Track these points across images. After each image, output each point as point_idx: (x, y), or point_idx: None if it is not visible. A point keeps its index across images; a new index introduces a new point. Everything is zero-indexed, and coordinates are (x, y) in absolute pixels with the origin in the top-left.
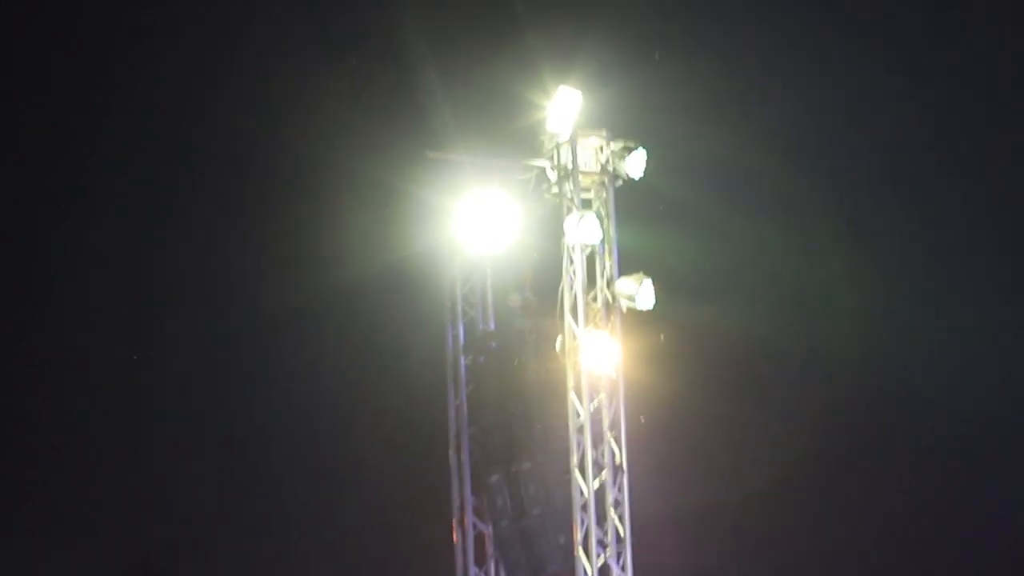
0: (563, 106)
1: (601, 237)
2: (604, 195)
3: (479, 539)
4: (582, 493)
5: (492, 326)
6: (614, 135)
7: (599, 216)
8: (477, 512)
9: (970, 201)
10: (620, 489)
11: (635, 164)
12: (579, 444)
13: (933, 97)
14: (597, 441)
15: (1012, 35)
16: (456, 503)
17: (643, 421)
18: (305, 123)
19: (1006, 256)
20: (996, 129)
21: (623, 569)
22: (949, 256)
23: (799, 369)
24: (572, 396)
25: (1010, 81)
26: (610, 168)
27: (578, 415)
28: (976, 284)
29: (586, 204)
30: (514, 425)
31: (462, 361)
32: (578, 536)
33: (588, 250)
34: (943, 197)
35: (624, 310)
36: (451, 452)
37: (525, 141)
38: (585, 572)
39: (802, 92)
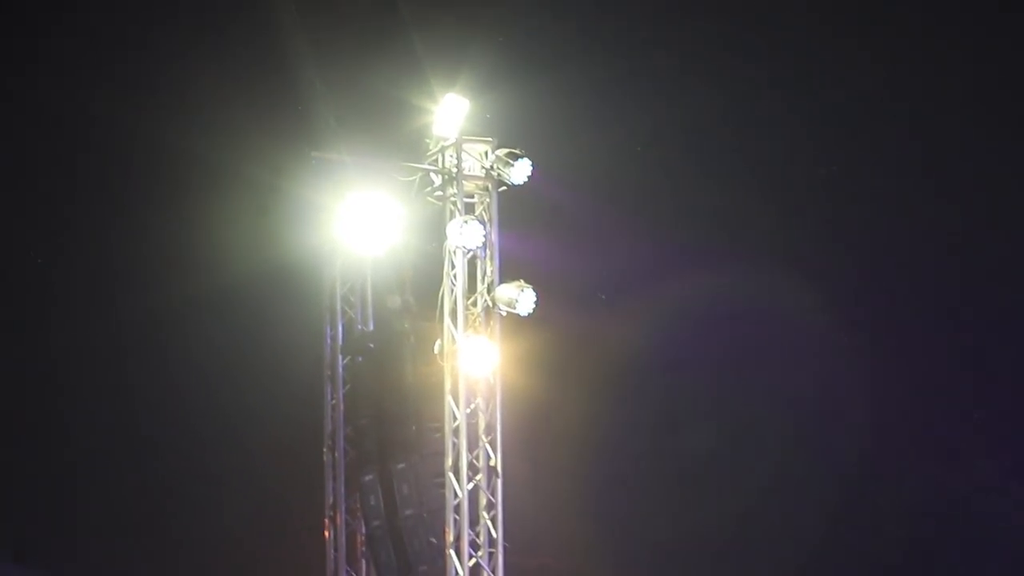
0: (450, 111)
1: (483, 242)
2: (487, 200)
3: (351, 538)
4: (455, 495)
5: (371, 327)
6: (500, 142)
7: (482, 221)
8: (350, 511)
9: (842, 203)
10: (494, 492)
11: (519, 171)
12: (454, 446)
13: (811, 103)
14: (472, 444)
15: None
16: (329, 501)
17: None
18: (188, 123)
19: (858, 257)
20: (870, 137)
21: (494, 571)
22: (825, 260)
23: (673, 373)
24: (449, 399)
25: (889, 94)
26: (494, 174)
27: (454, 418)
28: (843, 284)
29: (469, 209)
30: (390, 426)
31: (340, 361)
32: (450, 537)
33: (470, 255)
34: (818, 202)
35: (503, 315)
36: (326, 451)
37: (410, 144)
38: (456, 573)
39: (686, 98)
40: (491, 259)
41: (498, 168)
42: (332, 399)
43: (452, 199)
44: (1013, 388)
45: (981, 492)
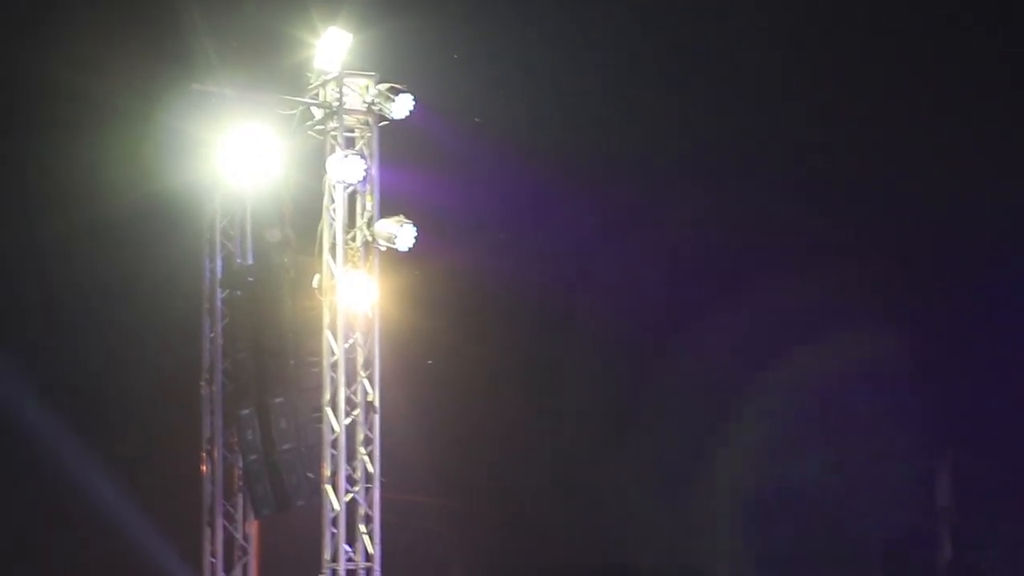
0: (331, 45)
1: (363, 177)
2: (368, 135)
3: (228, 471)
4: (333, 430)
5: (250, 261)
6: (382, 76)
7: (362, 156)
8: (227, 445)
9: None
10: (371, 427)
11: (400, 105)
12: (332, 381)
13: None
14: (350, 379)
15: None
16: (206, 435)
17: (430, 363)
18: (67, 55)
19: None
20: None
21: (370, 506)
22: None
23: (552, 311)
24: (327, 334)
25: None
26: (376, 108)
27: (332, 353)
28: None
29: (350, 143)
30: (268, 360)
31: (218, 294)
32: (327, 472)
33: (350, 189)
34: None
35: (383, 250)
36: (203, 384)
37: (292, 78)
38: (332, 508)
39: (564, 34)
40: (371, 194)
41: (379, 103)
42: (211, 332)
43: (333, 133)
44: None
45: None
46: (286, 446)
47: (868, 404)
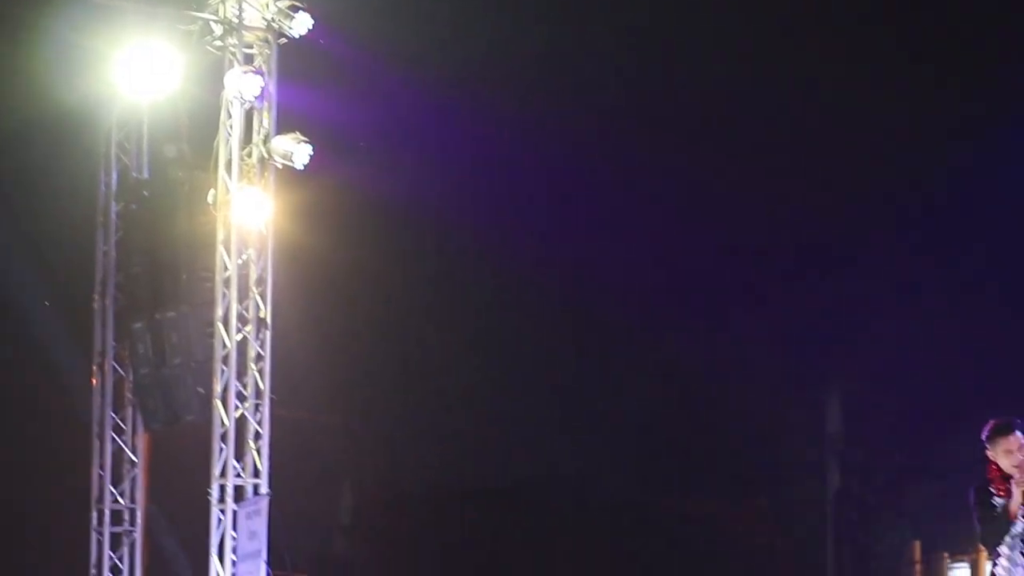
0: None
1: (260, 93)
2: (267, 52)
3: (119, 385)
4: (224, 345)
5: (146, 175)
6: None
7: (260, 72)
8: (119, 358)
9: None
10: (263, 344)
11: (300, 23)
12: (224, 297)
13: None
14: (243, 295)
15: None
16: (98, 348)
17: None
18: None
19: None
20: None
21: (260, 423)
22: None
23: (448, 228)
24: (221, 249)
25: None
26: (275, 25)
27: (225, 268)
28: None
29: (248, 60)
30: (162, 274)
31: (113, 208)
32: (217, 388)
33: (247, 105)
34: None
35: (279, 167)
36: (96, 298)
37: None
38: (222, 423)
39: None
40: (268, 111)
41: (279, 20)
42: (104, 246)
43: (232, 49)
44: None
45: None
46: (177, 361)
47: (755, 331)
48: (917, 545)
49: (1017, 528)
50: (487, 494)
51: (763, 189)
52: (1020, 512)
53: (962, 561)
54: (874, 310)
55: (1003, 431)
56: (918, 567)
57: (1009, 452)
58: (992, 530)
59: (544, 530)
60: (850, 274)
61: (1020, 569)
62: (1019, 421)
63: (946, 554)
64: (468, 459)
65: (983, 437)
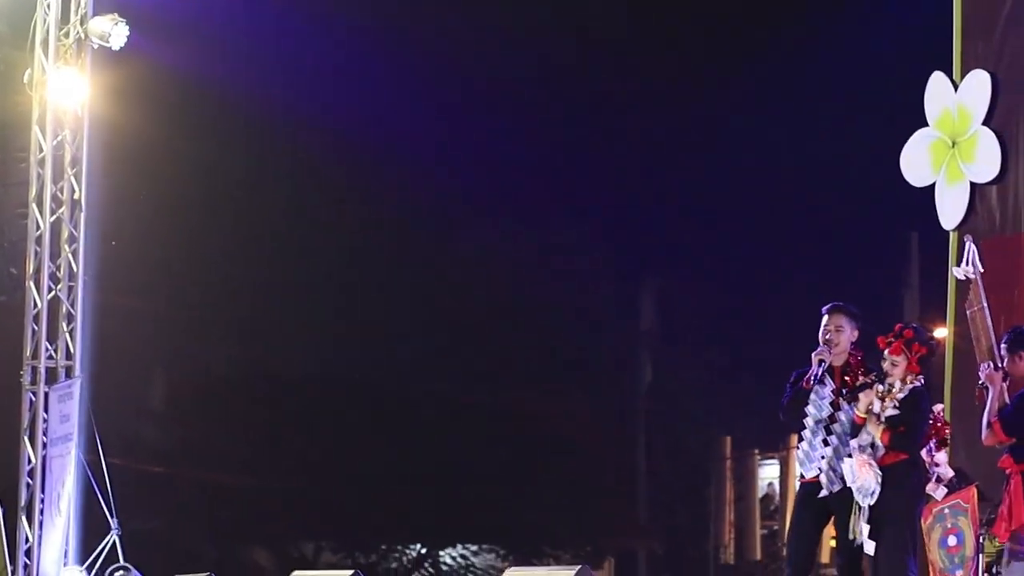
0: None
1: None
2: None
3: None
4: (38, 226)
5: None
6: None
7: None
8: None
9: None
10: (76, 225)
11: None
12: (39, 178)
13: None
14: (57, 176)
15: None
16: None
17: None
18: None
19: None
20: None
21: (73, 304)
22: None
23: (273, 114)
24: (36, 130)
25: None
26: None
27: (40, 149)
28: None
29: None
30: None
31: None
32: (30, 269)
33: None
34: None
35: (95, 48)
36: None
37: None
38: (34, 304)
39: None
40: None
41: None
42: None
43: None
44: None
45: None
46: None
47: (570, 229)
48: (728, 441)
49: (822, 413)
50: (300, 383)
51: (582, 87)
52: (821, 392)
53: (772, 458)
54: (690, 208)
55: (830, 308)
56: (728, 463)
57: (827, 329)
58: (791, 406)
59: (356, 421)
60: (668, 173)
61: (818, 454)
62: (852, 308)
63: (756, 451)
64: (282, 348)
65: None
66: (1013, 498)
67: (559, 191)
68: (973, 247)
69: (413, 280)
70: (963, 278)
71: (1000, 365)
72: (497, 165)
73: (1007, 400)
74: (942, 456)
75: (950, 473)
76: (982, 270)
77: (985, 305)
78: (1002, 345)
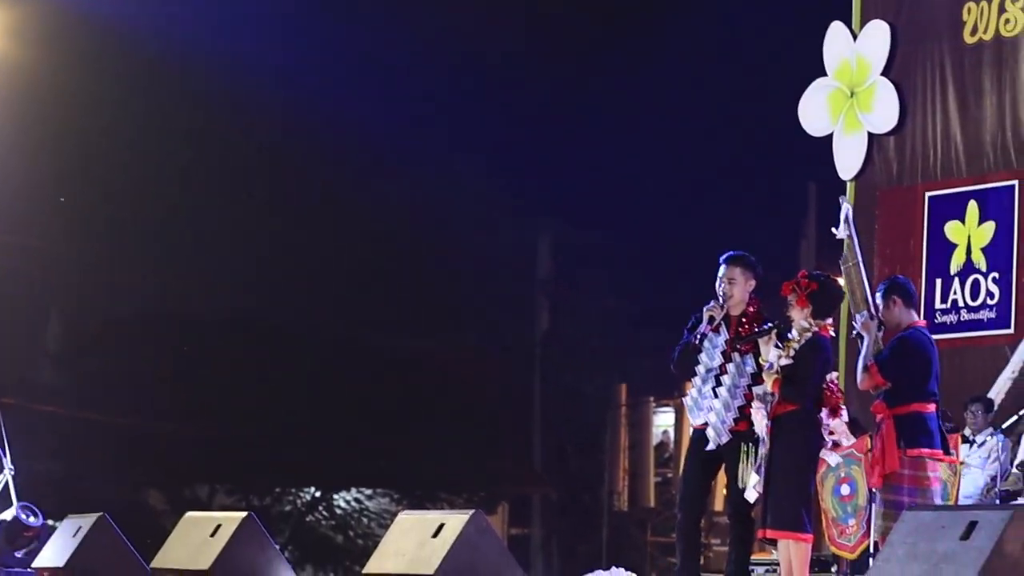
0: None
1: None
2: None
3: None
4: None
5: None
6: None
7: None
8: None
9: None
10: None
11: None
12: None
13: None
14: None
15: None
16: None
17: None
18: None
19: None
20: None
21: None
22: None
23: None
24: None
25: None
26: None
27: None
28: None
29: None
30: None
31: None
32: None
33: None
34: None
35: None
36: None
37: None
38: None
39: None
40: None
41: None
42: None
43: None
44: None
45: None
46: None
47: (468, 172)
48: (623, 388)
49: (713, 363)
50: (197, 326)
51: (484, 35)
52: (715, 340)
53: (667, 405)
54: (589, 156)
55: (725, 259)
56: (623, 410)
57: (722, 280)
58: (681, 359)
59: (253, 364)
60: (565, 117)
61: (707, 404)
62: (747, 259)
63: (651, 398)
64: (180, 290)
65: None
66: (886, 443)
67: (459, 137)
68: (848, 206)
69: (313, 225)
70: (841, 237)
71: (875, 314)
72: (397, 111)
73: (882, 346)
74: (837, 424)
75: (847, 442)
76: (856, 229)
77: (860, 260)
78: (877, 293)
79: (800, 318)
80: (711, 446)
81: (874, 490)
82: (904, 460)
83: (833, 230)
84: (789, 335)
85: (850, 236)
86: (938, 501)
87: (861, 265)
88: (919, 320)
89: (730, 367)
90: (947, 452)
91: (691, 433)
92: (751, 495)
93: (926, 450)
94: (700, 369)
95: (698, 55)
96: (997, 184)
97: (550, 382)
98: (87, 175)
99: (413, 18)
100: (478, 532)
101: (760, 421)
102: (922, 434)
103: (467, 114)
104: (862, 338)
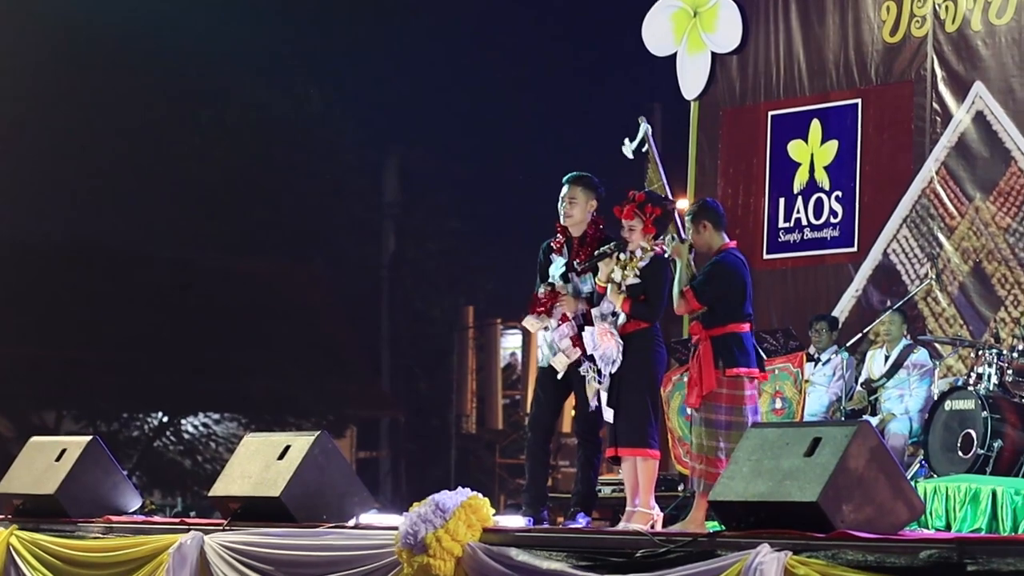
0: None
1: None
2: None
3: None
4: None
5: None
6: None
7: None
8: None
9: None
10: None
11: None
12: None
13: None
14: None
15: None
16: None
17: None
18: None
19: None
20: None
21: None
22: None
23: None
24: None
25: None
26: None
27: None
28: None
29: None
30: None
31: None
32: None
33: None
34: None
35: None
36: None
37: None
38: None
39: None
40: None
41: None
42: None
43: None
44: None
45: None
46: None
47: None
48: (470, 311)
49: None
50: (40, 249)
51: None
52: (558, 262)
53: (514, 328)
54: (429, 79)
55: (566, 180)
56: (471, 332)
57: (562, 201)
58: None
59: (98, 288)
60: (408, 42)
61: (557, 336)
62: (588, 179)
63: (498, 320)
64: (22, 212)
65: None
66: (703, 364)
67: (303, 60)
68: (647, 127)
69: (156, 146)
70: (631, 157)
71: (684, 237)
72: (240, 34)
73: (695, 271)
74: None
75: None
76: (656, 150)
77: (665, 183)
78: (687, 218)
79: (641, 239)
80: (542, 363)
81: (691, 410)
82: (722, 380)
83: (624, 149)
84: (631, 252)
85: (653, 158)
86: (755, 419)
87: (667, 187)
88: (730, 242)
89: (569, 288)
90: (762, 370)
91: (540, 354)
92: (608, 415)
93: (743, 369)
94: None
95: None
96: (840, 103)
97: (397, 305)
98: None
99: None
100: (324, 454)
101: (608, 341)
102: (740, 353)
103: (311, 37)
104: (674, 262)
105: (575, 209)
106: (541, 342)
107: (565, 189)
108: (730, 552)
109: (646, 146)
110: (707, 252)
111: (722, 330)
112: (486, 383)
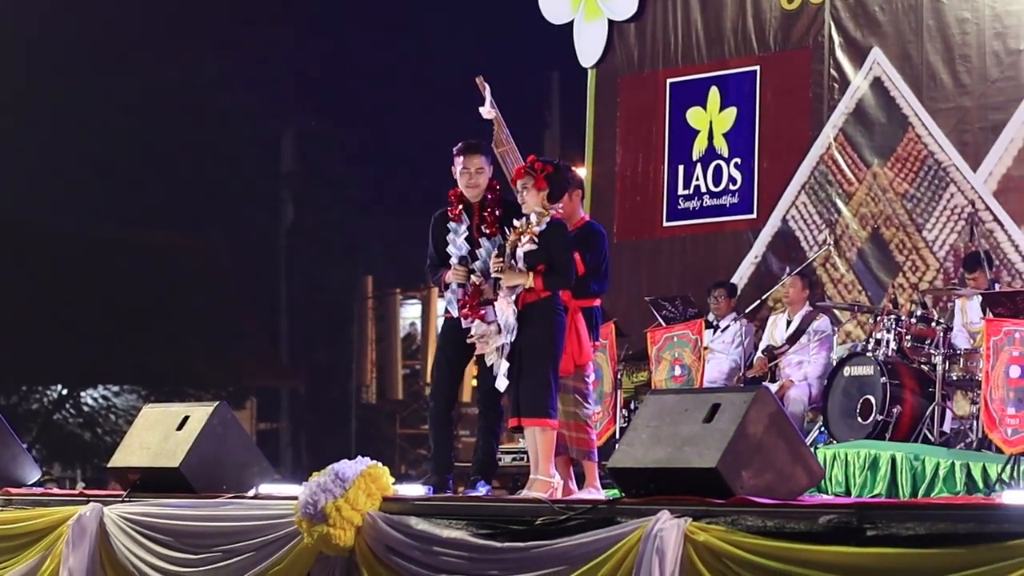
0: None
1: None
2: None
3: None
4: None
5: None
6: None
7: None
8: None
9: None
10: None
11: None
12: None
13: None
14: None
15: None
16: None
17: None
18: None
19: None
20: None
21: None
22: None
23: None
24: None
25: None
26: None
27: None
28: None
29: None
30: None
31: None
32: None
33: None
34: None
35: None
36: None
37: None
38: None
39: None
40: None
41: None
42: None
43: None
44: None
45: None
46: None
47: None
48: (369, 280)
49: (462, 252)
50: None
51: None
52: (459, 230)
53: (413, 298)
54: (328, 47)
55: (466, 149)
56: (370, 303)
57: (466, 171)
58: (437, 278)
59: (9, 262)
60: (304, 10)
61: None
62: (489, 146)
63: (398, 290)
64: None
65: (453, 151)
66: (581, 333)
67: (198, 29)
68: (487, 85)
69: (52, 117)
70: (488, 118)
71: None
72: (134, 3)
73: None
74: None
75: None
76: (498, 111)
77: (513, 144)
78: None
79: (536, 203)
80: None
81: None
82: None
83: (481, 110)
84: (527, 218)
85: (497, 118)
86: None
87: (516, 149)
88: (586, 215)
89: (480, 252)
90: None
91: (442, 323)
92: (501, 383)
93: (597, 342)
94: (452, 261)
95: None
96: (738, 70)
97: (296, 276)
98: None
99: None
100: (223, 424)
101: (507, 309)
102: (596, 324)
103: (206, 10)
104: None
105: (482, 178)
106: (449, 296)
107: (466, 158)
108: (630, 519)
109: (490, 107)
110: (570, 220)
111: (591, 302)
112: (386, 353)
